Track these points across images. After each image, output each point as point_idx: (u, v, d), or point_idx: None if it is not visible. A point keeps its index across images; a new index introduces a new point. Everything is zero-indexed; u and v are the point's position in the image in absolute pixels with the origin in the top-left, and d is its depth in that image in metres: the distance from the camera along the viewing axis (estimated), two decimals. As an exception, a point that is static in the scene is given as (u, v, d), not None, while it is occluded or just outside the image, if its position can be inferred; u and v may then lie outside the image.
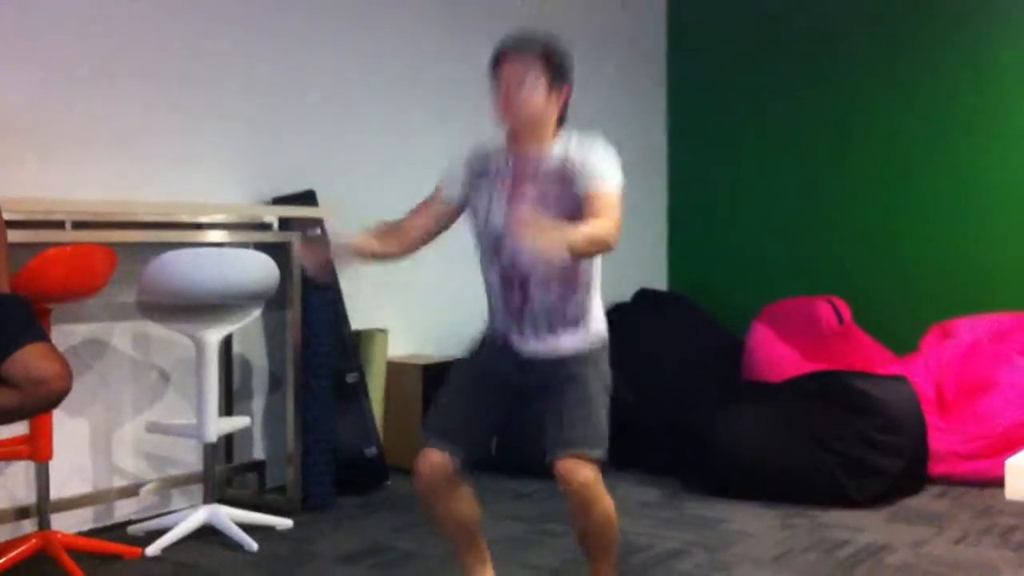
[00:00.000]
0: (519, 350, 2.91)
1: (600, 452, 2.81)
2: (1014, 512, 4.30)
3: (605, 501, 2.85)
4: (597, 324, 2.98)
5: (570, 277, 2.88)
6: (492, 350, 2.97)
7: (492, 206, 2.87)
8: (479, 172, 2.93)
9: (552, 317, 2.88)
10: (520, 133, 2.86)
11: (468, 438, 2.92)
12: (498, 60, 2.83)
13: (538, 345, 2.90)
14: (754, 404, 4.85)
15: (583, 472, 2.77)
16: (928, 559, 3.70)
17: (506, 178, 2.88)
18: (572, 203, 2.77)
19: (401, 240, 3.02)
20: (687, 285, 6.77)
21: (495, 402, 2.95)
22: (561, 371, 2.88)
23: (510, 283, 2.89)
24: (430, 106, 5.34)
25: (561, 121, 2.90)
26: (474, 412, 2.94)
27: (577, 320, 2.91)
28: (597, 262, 2.96)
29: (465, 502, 2.95)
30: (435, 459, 2.87)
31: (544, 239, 2.51)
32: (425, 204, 3.01)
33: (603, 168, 2.79)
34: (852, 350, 5.72)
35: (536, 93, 2.79)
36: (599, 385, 2.90)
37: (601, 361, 2.96)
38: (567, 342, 2.90)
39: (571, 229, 2.60)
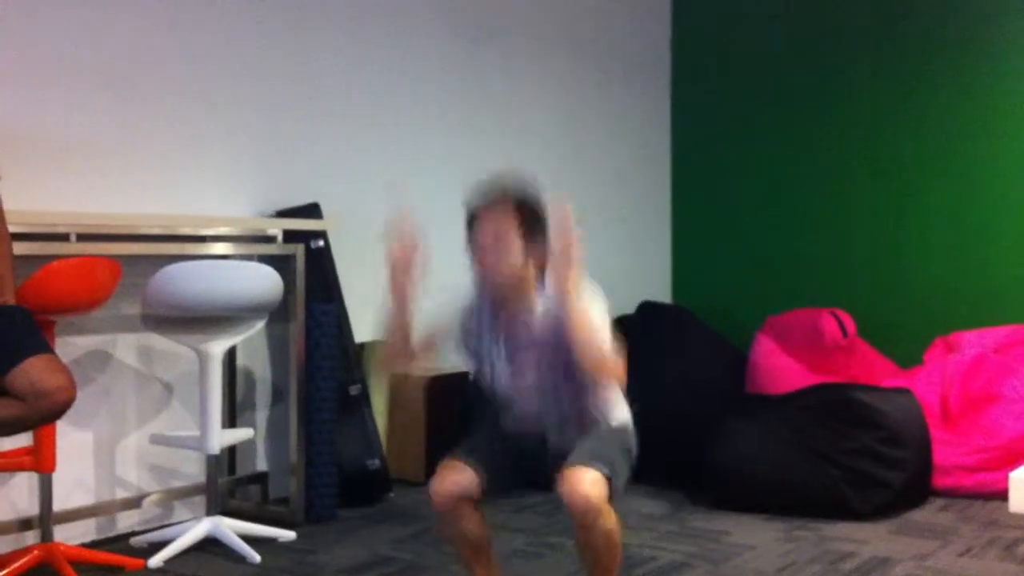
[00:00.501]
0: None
1: (609, 472, 2.78)
2: (1018, 525, 4.29)
3: (610, 519, 2.80)
4: (619, 415, 3.03)
5: (582, 412, 2.95)
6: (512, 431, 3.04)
7: (496, 368, 2.95)
8: (471, 332, 3.02)
9: (569, 430, 2.96)
10: (502, 293, 2.89)
11: (493, 466, 2.93)
12: (472, 217, 2.84)
13: (559, 440, 2.96)
14: (757, 417, 4.84)
15: (589, 480, 2.72)
16: (932, 572, 3.69)
17: (499, 340, 2.95)
18: (568, 351, 2.76)
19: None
20: (690, 298, 6.76)
21: (522, 454, 3.00)
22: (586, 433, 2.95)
23: (522, 421, 2.99)
24: (435, 120, 5.35)
25: (544, 269, 2.88)
26: (503, 451, 2.99)
27: (597, 421, 2.97)
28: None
29: (476, 523, 2.96)
30: (457, 476, 2.88)
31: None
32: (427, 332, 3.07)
33: (596, 333, 2.76)
34: (856, 363, 5.72)
35: (513, 255, 2.81)
36: (618, 441, 2.95)
37: (622, 431, 3.01)
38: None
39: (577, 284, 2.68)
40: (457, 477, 2.88)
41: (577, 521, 2.77)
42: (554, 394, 2.93)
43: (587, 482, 2.72)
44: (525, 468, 3.05)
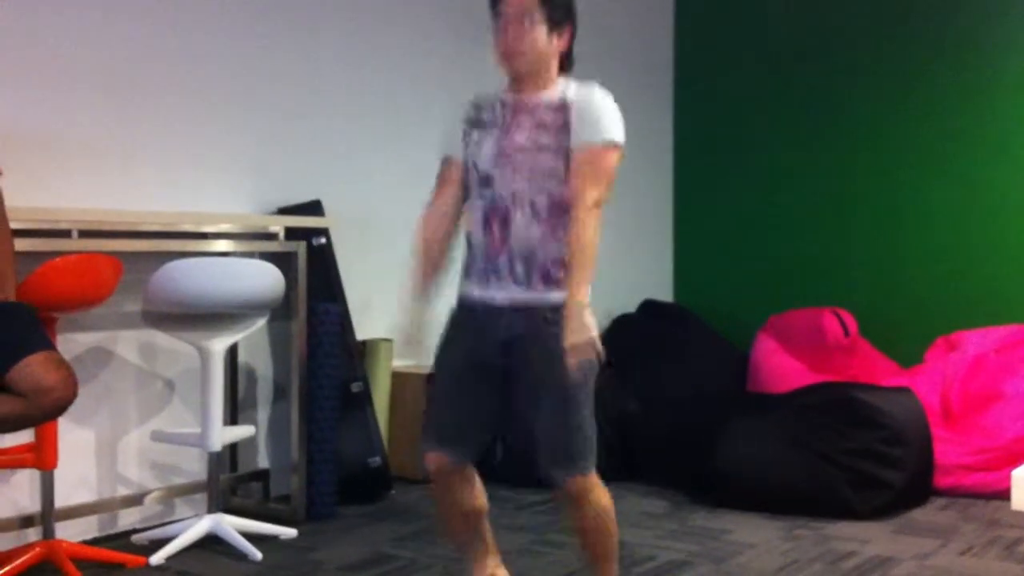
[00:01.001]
0: (497, 302, 2.80)
1: (594, 458, 2.76)
2: (1020, 524, 4.29)
3: (603, 500, 2.80)
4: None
5: (556, 212, 2.77)
6: (470, 333, 2.85)
7: (484, 143, 2.80)
8: (476, 122, 2.86)
9: (534, 260, 2.77)
10: (519, 77, 2.78)
11: (466, 440, 2.86)
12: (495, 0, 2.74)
13: (518, 293, 2.78)
14: (759, 416, 4.84)
15: (581, 485, 2.76)
16: (933, 571, 3.69)
17: (501, 121, 2.81)
18: (561, 153, 2.72)
19: (439, 227, 2.88)
20: (692, 297, 6.77)
21: (486, 396, 2.84)
22: (543, 345, 2.73)
23: (491, 222, 2.79)
24: (439, 118, 5.34)
25: (564, 67, 2.81)
26: (468, 413, 2.85)
27: (560, 263, 2.78)
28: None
29: (474, 492, 2.91)
30: (439, 460, 2.85)
31: (582, 347, 2.63)
32: (443, 179, 2.90)
33: (603, 120, 2.73)
34: (857, 362, 5.72)
35: (535, 35, 2.70)
36: (581, 371, 2.73)
37: (583, 340, 2.76)
38: (550, 293, 2.78)
39: (582, 300, 2.69)
40: (439, 460, 2.85)
41: (572, 514, 2.80)
42: (532, 187, 2.75)
43: (580, 486, 2.77)
44: (495, 411, 2.86)
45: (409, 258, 2.94)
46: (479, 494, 2.93)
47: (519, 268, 2.78)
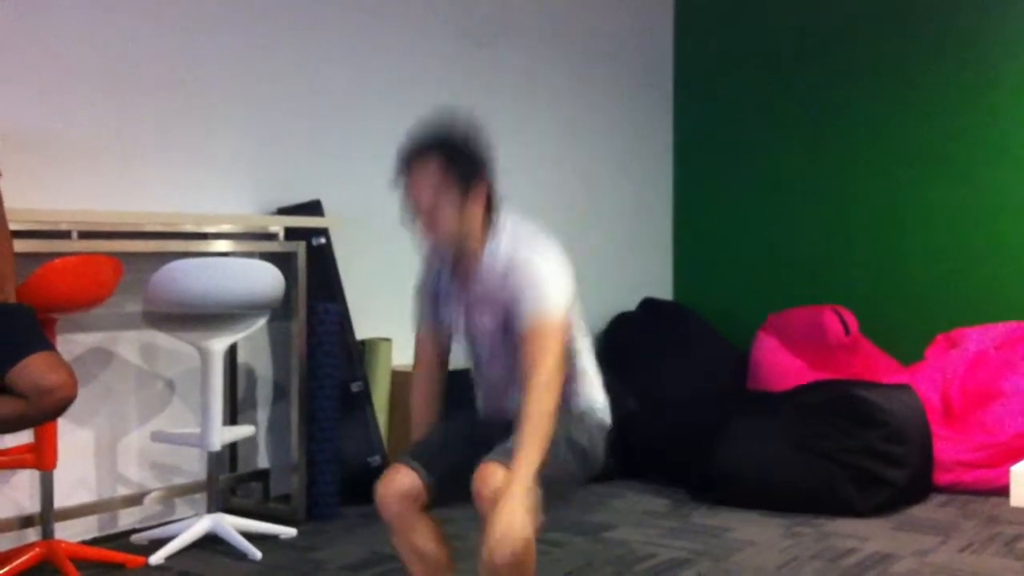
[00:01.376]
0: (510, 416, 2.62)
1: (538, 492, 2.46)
2: (1020, 521, 4.29)
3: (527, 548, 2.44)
4: (584, 406, 2.74)
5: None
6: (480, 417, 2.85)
7: (452, 318, 2.75)
8: (434, 294, 2.80)
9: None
10: (447, 250, 2.68)
11: (441, 469, 2.64)
12: (399, 179, 2.61)
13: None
14: (759, 414, 4.84)
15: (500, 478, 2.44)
16: (933, 568, 3.69)
17: (452, 291, 2.74)
18: (512, 321, 2.60)
19: (430, 410, 2.85)
20: (692, 295, 6.77)
21: (477, 452, 2.59)
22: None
23: (489, 368, 2.75)
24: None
25: (492, 209, 2.66)
26: (453, 449, 2.70)
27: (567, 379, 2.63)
28: (576, 353, 2.70)
29: (429, 537, 2.66)
30: (400, 478, 2.61)
31: (514, 530, 2.36)
32: (418, 358, 2.86)
33: (541, 287, 2.55)
34: (858, 360, 5.72)
35: (446, 216, 2.57)
36: (569, 450, 2.63)
37: (577, 430, 2.69)
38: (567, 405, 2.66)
39: (526, 476, 2.40)
40: (399, 480, 2.61)
41: (484, 522, 2.46)
42: (514, 355, 2.60)
43: (498, 478, 2.45)
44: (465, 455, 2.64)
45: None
46: (439, 542, 2.69)
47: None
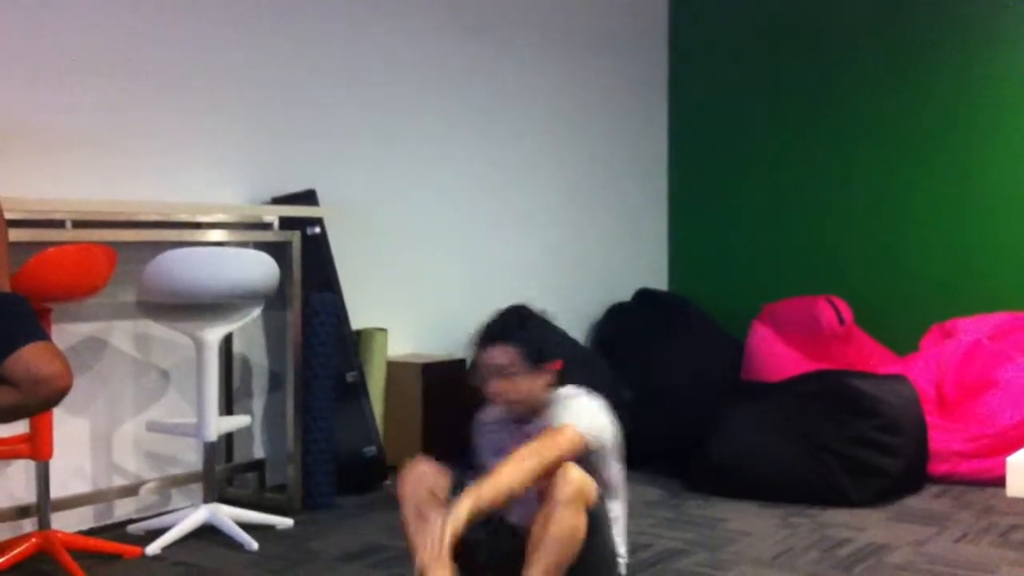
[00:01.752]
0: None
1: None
2: (1015, 511, 4.30)
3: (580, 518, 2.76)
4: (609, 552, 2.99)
5: None
6: None
7: (494, 456, 2.99)
8: (486, 439, 3.14)
9: None
10: (516, 415, 3.02)
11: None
12: (479, 364, 2.97)
13: None
14: (754, 404, 4.84)
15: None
16: (928, 558, 3.70)
17: (504, 441, 3.03)
18: None
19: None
20: (687, 285, 6.77)
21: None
22: None
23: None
24: (433, 107, 5.35)
25: (556, 383, 3.02)
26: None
27: None
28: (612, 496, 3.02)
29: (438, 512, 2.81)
30: (428, 467, 2.90)
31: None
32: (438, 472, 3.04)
33: (571, 416, 2.90)
34: (853, 350, 5.73)
35: (518, 387, 2.95)
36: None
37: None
38: None
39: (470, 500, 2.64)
40: (427, 467, 2.93)
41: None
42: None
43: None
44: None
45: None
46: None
47: None
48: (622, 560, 3.07)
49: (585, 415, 2.94)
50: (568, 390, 3.06)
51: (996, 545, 3.86)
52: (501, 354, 2.95)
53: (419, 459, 2.97)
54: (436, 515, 2.70)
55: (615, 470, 3.04)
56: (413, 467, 2.94)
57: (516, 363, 2.95)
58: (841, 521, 4.18)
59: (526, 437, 2.91)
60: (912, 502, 4.46)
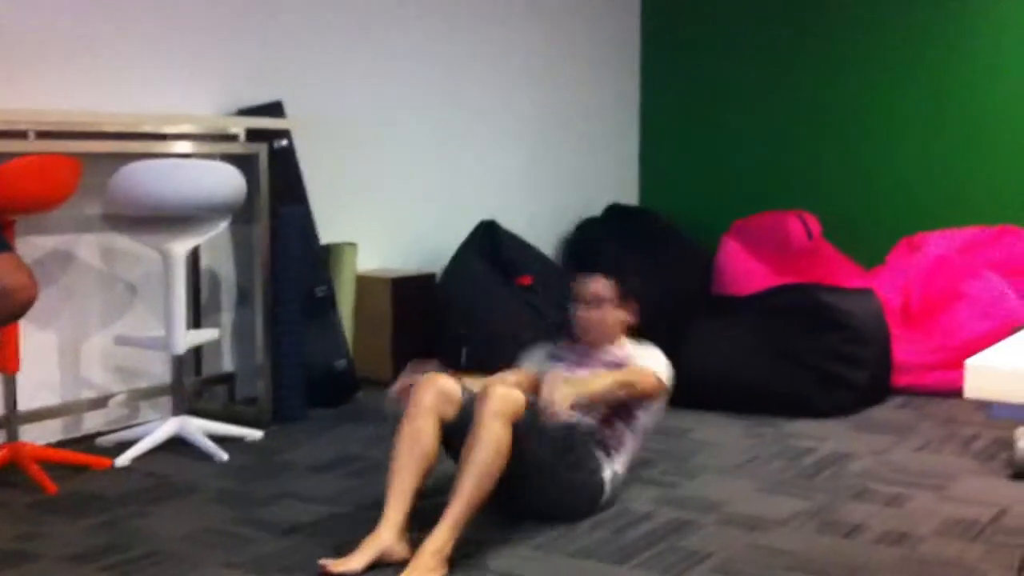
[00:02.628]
0: None
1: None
2: (976, 422, 4.37)
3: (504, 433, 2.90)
4: (615, 465, 3.33)
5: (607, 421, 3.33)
6: None
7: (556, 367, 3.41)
8: (552, 354, 3.55)
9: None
10: (593, 344, 3.47)
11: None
12: (578, 291, 3.47)
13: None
14: (723, 317, 4.88)
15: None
16: (889, 466, 3.77)
17: (573, 358, 3.47)
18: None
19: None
20: (658, 200, 6.77)
21: None
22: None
23: None
24: (405, 18, 5.26)
25: (628, 332, 3.52)
26: None
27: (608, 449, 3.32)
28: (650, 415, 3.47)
29: (434, 438, 3.00)
30: (445, 379, 3.08)
31: (558, 393, 2.93)
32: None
33: (653, 363, 3.40)
34: (821, 264, 5.76)
35: (605, 317, 3.45)
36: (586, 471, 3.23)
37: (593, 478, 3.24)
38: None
39: (591, 380, 3.15)
40: (443, 379, 3.07)
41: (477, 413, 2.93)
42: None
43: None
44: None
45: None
46: (436, 447, 3.01)
47: None
48: (607, 478, 3.27)
49: (664, 367, 3.40)
50: (639, 342, 3.52)
51: (957, 454, 3.93)
52: (601, 285, 3.45)
53: (435, 373, 3.12)
54: (428, 424, 2.98)
55: (657, 411, 3.48)
56: (432, 379, 3.06)
57: (608, 296, 3.44)
58: (805, 431, 4.24)
59: (599, 362, 3.41)
60: (875, 413, 4.54)
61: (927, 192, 6.00)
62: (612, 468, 3.30)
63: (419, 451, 2.96)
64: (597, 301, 3.43)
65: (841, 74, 6.22)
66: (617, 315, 3.47)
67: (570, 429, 3.14)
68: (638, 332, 3.57)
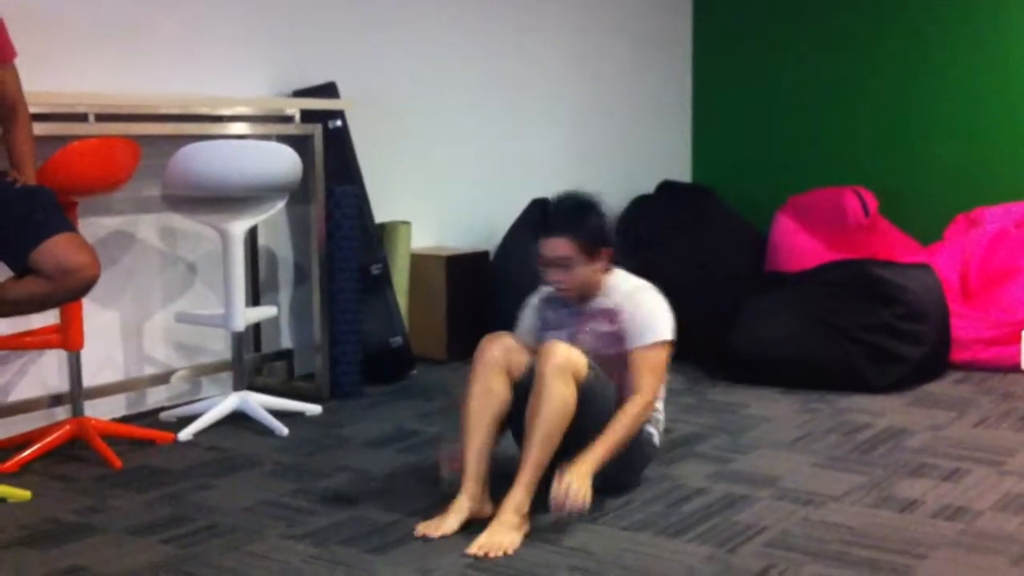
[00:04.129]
0: None
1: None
2: (1035, 397, 4.33)
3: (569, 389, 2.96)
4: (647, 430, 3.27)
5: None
6: None
7: (556, 336, 3.21)
8: (544, 321, 3.34)
9: None
10: (578, 301, 3.27)
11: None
12: (542, 256, 3.19)
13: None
14: (777, 293, 4.86)
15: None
16: (947, 442, 3.75)
17: (562, 318, 3.30)
18: (618, 341, 3.20)
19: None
20: (711, 177, 6.74)
21: None
22: None
23: None
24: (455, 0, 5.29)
25: (610, 269, 3.27)
26: None
27: None
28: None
29: (506, 390, 3.06)
30: (508, 338, 3.11)
31: (573, 495, 2.85)
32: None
33: (652, 324, 3.20)
34: (877, 241, 5.71)
35: (574, 274, 3.18)
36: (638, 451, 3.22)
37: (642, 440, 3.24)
38: None
39: (593, 462, 2.95)
40: (507, 337, 3.11)
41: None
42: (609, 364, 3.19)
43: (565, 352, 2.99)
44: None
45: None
46: (506, 403, 3.07)
47: None
48: (655, 432, 3.30)
49: (661, 318, 3.22)
50: (626, 278, 3.30)
51: (1015, 429, 3.90)
52: (559, 246, 3.15)
53: (501, 333, 3.14)
54: (497, 381, 3.03)
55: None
56: (496, 337, 3.10)
57: (573, 255, 3.15)
58: (861, 407, 4.22)
59: (586, 316, 3.24)
60: (932, 388, 4.50)
61: (984, 167, 5.91)
62: (654, 420, 3.31)
63: (490, 409, 3.03)
64: (563, 262, 3.16)
65: (895, 49, 6.14)
66: (589, 269, 3.19)
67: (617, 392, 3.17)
68: (625, 264, 3.37)
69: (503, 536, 2.81)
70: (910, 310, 4.53)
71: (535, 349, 3.07)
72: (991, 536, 2.88)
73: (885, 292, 4.55)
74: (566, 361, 2.96)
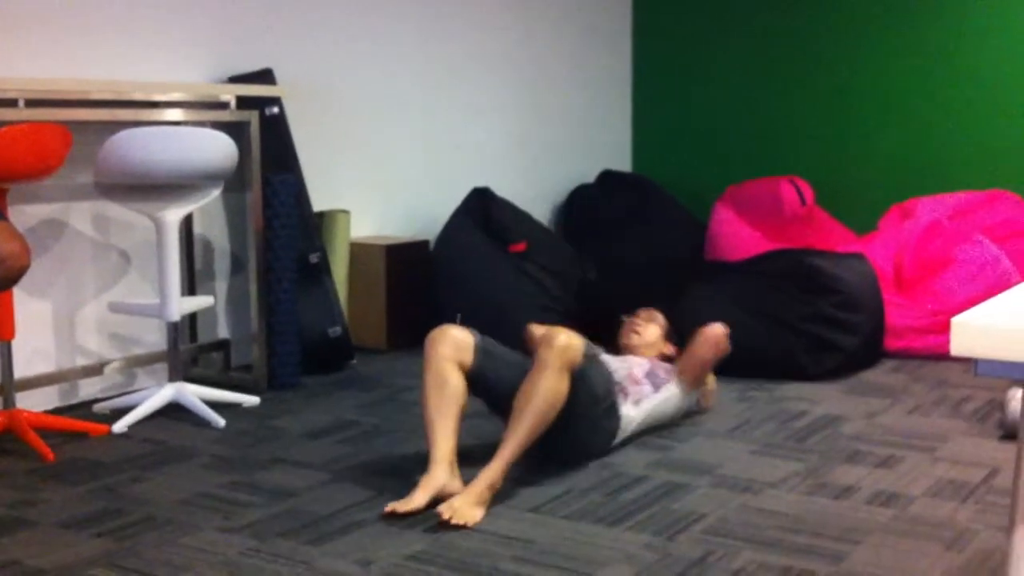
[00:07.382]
0: None
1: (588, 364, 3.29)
2: (967, 384, 4.40)
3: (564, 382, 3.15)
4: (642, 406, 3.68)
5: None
6: None
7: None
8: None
9: None
10: (626, 349, 3.97)
11: (491, 361, 3.33)
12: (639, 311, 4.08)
13: None
14: (715, 283, 4.89)
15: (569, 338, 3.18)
16: (881, 429, 3.80)
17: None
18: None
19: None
20: (651, 167, 6.77)
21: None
22: None
23: None
24: (390, -18, 5.24)
25: (662, 359, 3.97)
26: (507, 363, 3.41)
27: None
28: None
29: (458, 378, 3.18)
30: (456, 330, 3.25)
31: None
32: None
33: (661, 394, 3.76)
34: (814, 231, 5.78)
35: (647, 333, 4.01)
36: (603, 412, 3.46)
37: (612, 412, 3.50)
38: None
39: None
40: (454, 330, 3.25)
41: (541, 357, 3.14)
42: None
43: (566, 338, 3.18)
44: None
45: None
46: (463, 387, 3.20)
47: None
48: (622, 424, 3.55)
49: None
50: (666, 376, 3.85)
51: (948, 416, 3.96)
52: (659, 315, 4.11)
53: (447, 327, 3.28)
54: (450, 371, 3.16)
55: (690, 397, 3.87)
56: (443, 332, 3.23)
57: (662, 324, 4.09)
58: (798, 394, 4.27)
59: (625, 358, 3.79)
60: (867, 376, 4.56)
61: (918, 158, 6.01)
62: (627, 411, 3.58)
63: (448, 393, 3.14)
64: (649, 317, 4.01)
65: (832, 40, 6.21)
66: (657, 338, 3.99)
67: (610, 378, 3.46)
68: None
69: (471, 510, 2.90)
70: (846, 299, 4.58)
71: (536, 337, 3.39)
72: (924, 522, 2.92)
73: (821, 282, 4.60)
74: (567, 353, 3.12)
